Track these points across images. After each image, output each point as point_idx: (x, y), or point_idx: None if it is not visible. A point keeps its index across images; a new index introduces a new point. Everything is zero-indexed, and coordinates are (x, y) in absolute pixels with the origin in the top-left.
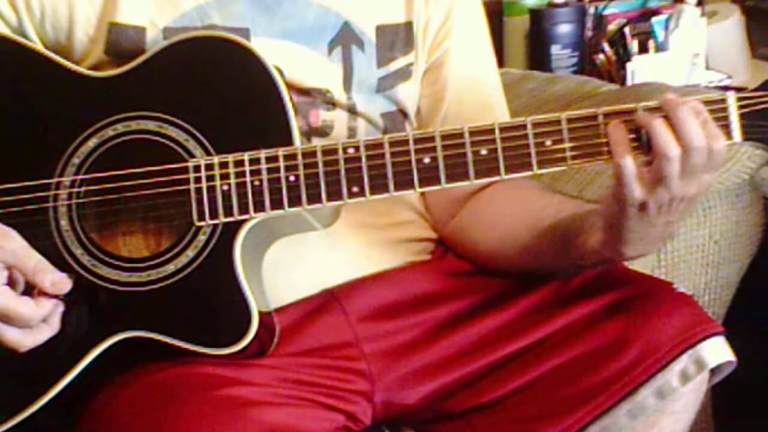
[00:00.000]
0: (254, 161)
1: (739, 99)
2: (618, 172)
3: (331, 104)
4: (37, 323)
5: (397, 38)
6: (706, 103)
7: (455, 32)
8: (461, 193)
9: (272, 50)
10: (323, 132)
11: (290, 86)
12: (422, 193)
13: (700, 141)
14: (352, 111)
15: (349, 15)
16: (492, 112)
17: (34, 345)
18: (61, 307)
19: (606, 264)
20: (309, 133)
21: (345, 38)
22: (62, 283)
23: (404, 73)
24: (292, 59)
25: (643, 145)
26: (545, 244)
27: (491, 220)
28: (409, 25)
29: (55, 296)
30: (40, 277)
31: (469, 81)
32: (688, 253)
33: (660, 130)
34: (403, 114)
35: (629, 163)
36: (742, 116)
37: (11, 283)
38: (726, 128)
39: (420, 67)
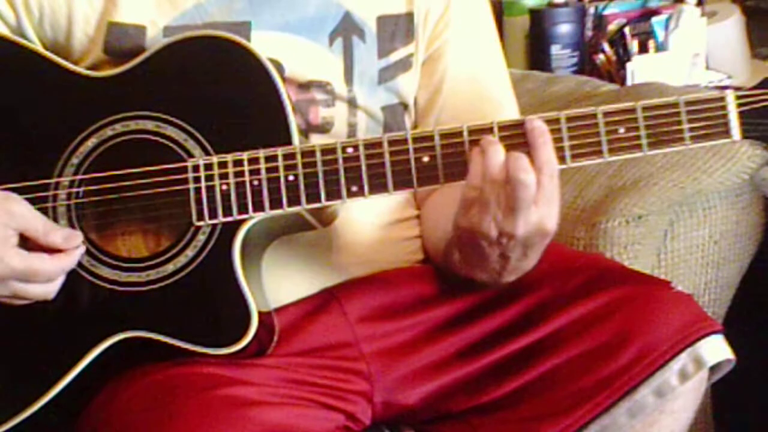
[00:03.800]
0: (253, 161)
1: (738, 97)
2: None
3: (332, 99)
4: (58, 276)
5: (397, 29)
6: (706, 101)
7: (454, 24)
8: (425, 193)
9: (273, 43)
10: (323, 129)
11: (291, 80)
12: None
13: (493, 173)
14: (352, 104)
15: (350, 5)
16: (490, 105)
17: (59, 284)
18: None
19: (480, 287)
20: (308, 130)
21: (346, 29)
22: (73, 236)
23: (405, 64)
24: (293, 52)
25: None
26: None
27: (425, 225)
28: (409, 16)
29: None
30: (51, 236)
31: (468, 74)
32: (688, 253)
33: (472, 159)
34: (404, 106)
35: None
36: (741, 114)
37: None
38: (725, 126)
39: (420, 58)
